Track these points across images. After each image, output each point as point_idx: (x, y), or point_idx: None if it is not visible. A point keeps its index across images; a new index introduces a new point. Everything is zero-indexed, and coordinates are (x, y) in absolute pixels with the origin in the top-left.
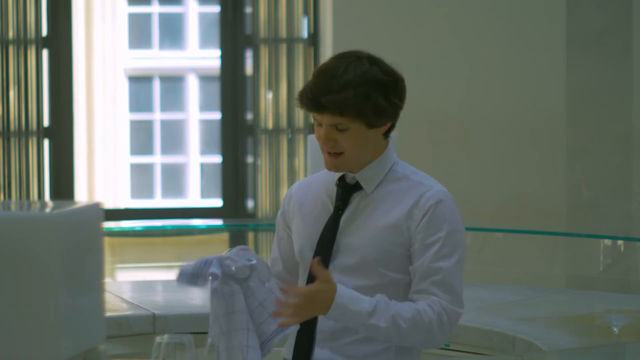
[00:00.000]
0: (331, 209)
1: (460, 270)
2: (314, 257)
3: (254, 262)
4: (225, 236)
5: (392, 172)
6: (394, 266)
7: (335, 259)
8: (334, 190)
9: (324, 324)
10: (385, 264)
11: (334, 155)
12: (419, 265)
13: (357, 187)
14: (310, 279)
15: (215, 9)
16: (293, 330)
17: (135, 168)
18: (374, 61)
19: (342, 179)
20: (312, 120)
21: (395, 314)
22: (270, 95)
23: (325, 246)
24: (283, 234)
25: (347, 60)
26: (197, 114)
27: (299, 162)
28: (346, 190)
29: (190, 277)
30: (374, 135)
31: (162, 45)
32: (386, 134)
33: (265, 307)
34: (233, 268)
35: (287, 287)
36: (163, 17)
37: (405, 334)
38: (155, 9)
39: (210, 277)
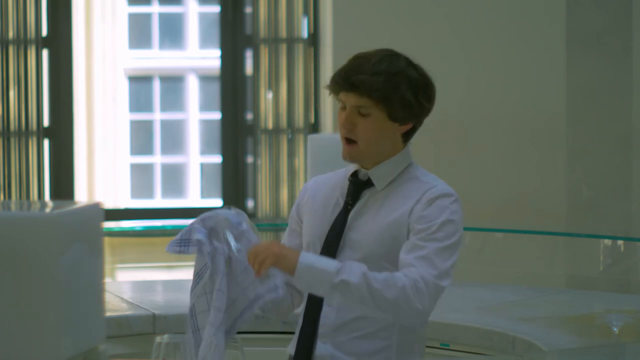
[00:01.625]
0: (342, 203)
1: (448, 256)
2: (321, 250)
3: (244, 227)
4: None
5: (404, 172)
6: (395, 263)
7: (341, 253)
8: (346, 185)
9: (326, 319)
10: (389, 259)
11: (348, 144)
12: (407, 242)
13: (368, 183)
14: None
15: (215, 9)
16: (275, 296)
17: (135, 168)
18: (410, 62)
19: (354, 175)
20: (337, 106)
21: (365, 272)
22: (270, 95)
23: (333, 240)
24: (295, 227)
25: (384, 52)
26: (197, 114)
27: (299, 162)
28: (357, 186)
29: (176, 245)
30: (392, 131)
31: (162, 45)
32: (405, 137)
33: (249, 272)
34: (223, 233)
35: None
36: (163, 17)
37: (378, 294)
38: (155, 9)
39: (196, 245)
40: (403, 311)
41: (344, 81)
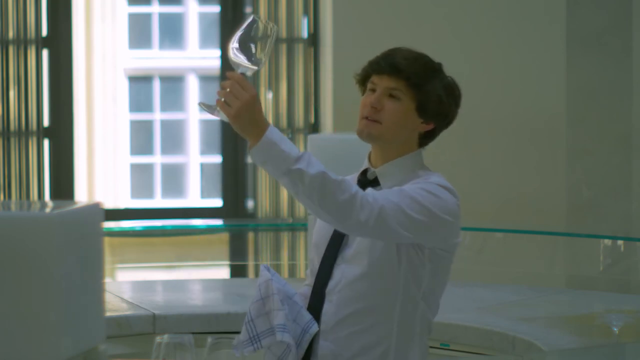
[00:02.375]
0: None
1: (417, 209)
2: (326, 249)
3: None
4: (225, 236)
5: (412, 175)
6: (395, 256)
7: (343, 251)
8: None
9: (326, 316)
10: (386, 257)
11: (371, 122)
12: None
13: (375, 182)
14: (321, 269)
15: (215, 9)
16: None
17: (135, 168)
18: (441, 67)
19: (364, 174)
20: (362, 92)
21: (325, 171)
22: (270, 95)
23: (337, 238)
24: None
25: (423, 54)
26: (197, 114)
27: None
28: (364, 185)
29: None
30: (414, 125)
31: (162, 45)
32: (423, 139)
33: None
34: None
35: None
36: (163, 17)
37: (329, 193)
38: (155, 9)
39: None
40: (344, 217)
41: (385, 62)
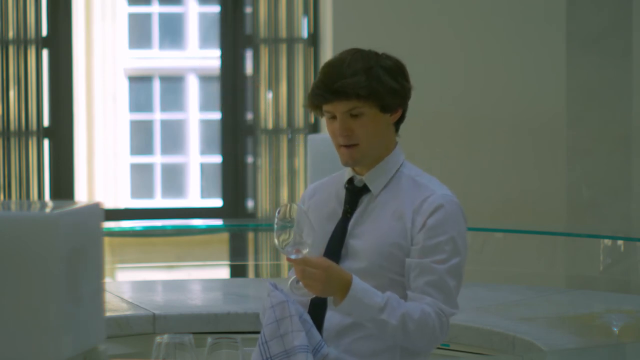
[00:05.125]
0: (340, 212)
1: (457, 274)
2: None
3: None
4: (225, 236)
5: (399, 173)
6: (398, 269)
7: (344, 261)
8: (343, 193)
9: (329, 323)
10: (390, 267)
11: (349, 148)
12: (417, 263)
13: (365, 189)
14: None
15: (215, 9)
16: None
17: (135, 168)
18: (377, 53)
19: (350, 182)
20: (320, 117)
21: (405, 312)
22: (270, 95)
23: (335, 249)
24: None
25: (351, 52)
26: (197, 114)
27: (299, 162)
28: (354, 193)
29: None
30: (386, 124)
31: (162, 45)
32: (396, 126)
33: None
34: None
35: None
36: (163, 17)
37: (410, 335)
38: (155, 9)
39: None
40: (426, 348)
41: (329, 91)
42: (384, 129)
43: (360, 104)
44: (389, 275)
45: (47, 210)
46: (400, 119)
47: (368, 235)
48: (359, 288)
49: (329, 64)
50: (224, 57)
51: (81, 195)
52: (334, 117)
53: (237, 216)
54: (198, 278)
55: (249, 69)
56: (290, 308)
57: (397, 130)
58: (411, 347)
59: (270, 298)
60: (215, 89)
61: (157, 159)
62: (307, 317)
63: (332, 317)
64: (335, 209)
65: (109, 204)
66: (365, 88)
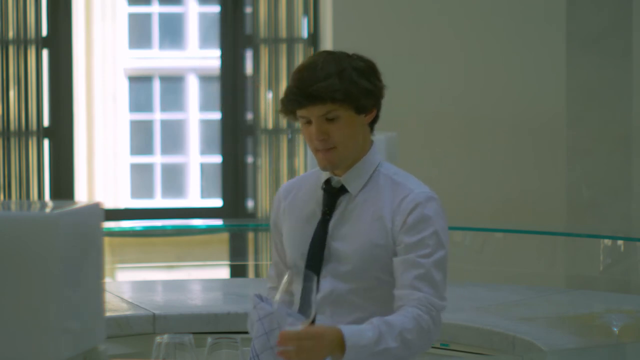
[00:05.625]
0: (319, 214)
1: (442, 268)
2: (306, 265)
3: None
4: (225, 236)
5: (376, 173)
6: (384, 269)
7: (327, 264)
8: (320, 194)
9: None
10: (376, 268)
11: (327, 152)
12: (403, 259)
13: (342, 190)
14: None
15: (215, 9)
16: None
17: (135, 168)
18: (347, 54)
19: (327, 183)
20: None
21: (400, 330)
22: (270, 95)
23: (317, 253)
24: (277, 240)
25: (322, 55)
26: (197, 114)
27: (299, 162)
28: (332, 195)
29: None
30: (362, 125)
31: (162, 45)
32: (371, 126)
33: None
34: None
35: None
36: (163, 17)
37: (413, 345)
38: (155, 9)
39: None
40: (425, 346)
41: (303, 96)
42: (360, 130)
43: (335, 107)
44: (376, 275)
45: (47, 210)
46: (375, 119)
47: (350, 238)
48: (351, 335)
49: (301, 69)
50: (224, 57)
51: (81, 195)
52: (309, 122)
53: (237, 216)
54: (198, 278)
55: (249, 69)
56: (278, 319)
57: (372, 130)
58: (414, 353)
59: (257, 310)
60: (215, 89)
61: (157, 159)
62: (297, 316)
63: (324, 321)
64: (314, 211)
65: (109, 204)
66: (340, 91)
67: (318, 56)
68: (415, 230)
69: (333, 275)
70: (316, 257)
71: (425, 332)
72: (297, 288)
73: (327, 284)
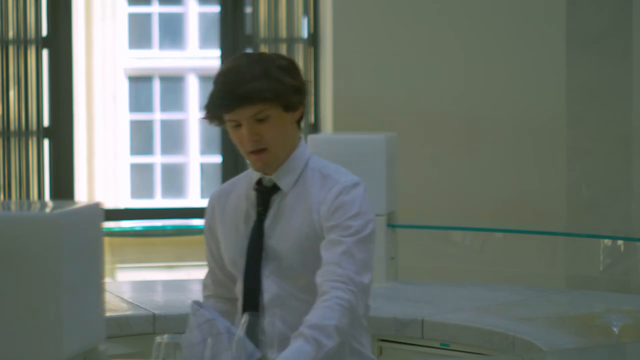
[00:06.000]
0: (253, 214)
1: (365, 248)
2: (245, 265)
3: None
4: None
5: (306, 168)
6: (319, 263)
7: (268, 264)
8: (253, 195)
9: (270, 331)
10: (312, 260)
11: (260, 153)
12: (326, 240)
13: (274, 189)
14: (247, 284)
15: (215, 9)
16: None
17: (135, 168)
18: (267, 54)
19: (259, 183)
20: (224, 126)
21: (331, 325)
22: None
23: (255, 253)
24: (213, 246)
25: (244, 58)
26: (197, 114)
27: None
28: (265, 194)
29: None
30: (291, 123)
31: (162, 45)
32: (299, 123)
33: None
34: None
35: None
36: (163, 17)
37: (346, 328)
38: (155, 9)
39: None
40: (357, 320)
41: (232, 99)
42: (289, 128)
43: (265, 107)
44: (314, 269)
45: (47, 210)
46: (302, 116)
47: (284, 235)
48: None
49: (226, 72)
50: (224, 57)
51: (81, 195)
52: (238, 125)
53: None
54: (198, 278)
55: None
56: (218, 326)
57: (299, 127)
58: (348, 332)
59: (195, 317)
60: None
61: (157, 159)
62: (236, 330)
63: (276, 324)
64: (249, 211)
65: (109, 204)
66: (269, 90)
67: (239, 59)
68: (338, 213)
69: (276, 274)
70: (255, 258)
71: (349, 310)
72: (239, 287)
73: (272, 284)
